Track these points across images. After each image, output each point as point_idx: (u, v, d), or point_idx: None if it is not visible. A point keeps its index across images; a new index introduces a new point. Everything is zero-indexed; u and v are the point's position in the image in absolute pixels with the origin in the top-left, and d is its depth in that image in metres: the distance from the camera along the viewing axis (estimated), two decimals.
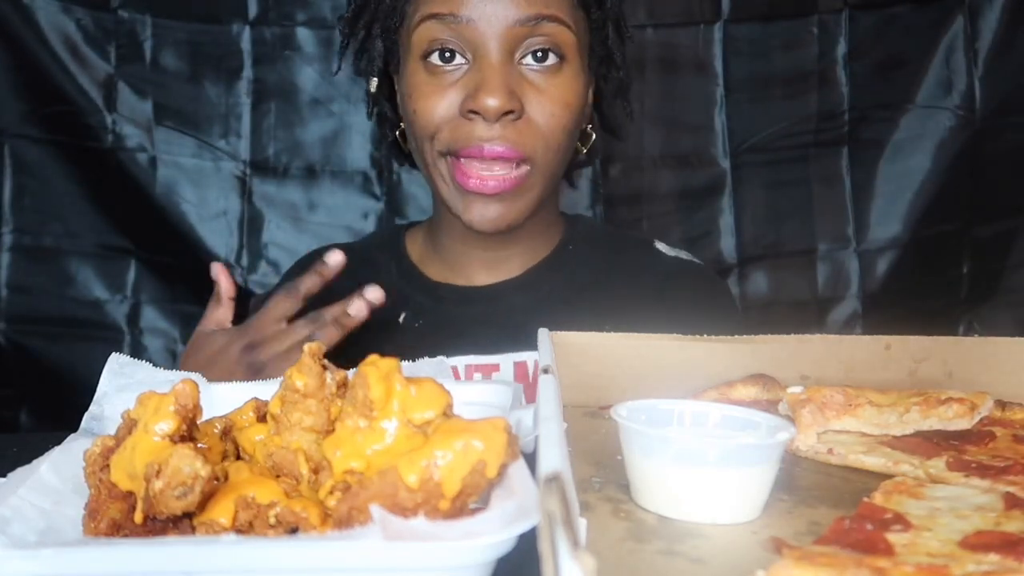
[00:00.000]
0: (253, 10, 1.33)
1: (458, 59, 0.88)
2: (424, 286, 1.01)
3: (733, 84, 1.37)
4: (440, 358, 0.70)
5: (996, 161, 1.36)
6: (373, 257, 1.06)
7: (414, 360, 0.68)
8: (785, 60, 1.37)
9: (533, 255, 1.01)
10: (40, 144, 1.30)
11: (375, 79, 1.00)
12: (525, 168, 0.89)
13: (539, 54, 0.88)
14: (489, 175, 0.88)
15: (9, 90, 1.28)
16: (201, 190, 1.34)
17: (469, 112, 0.86)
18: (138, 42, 1.31)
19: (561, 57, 0.89)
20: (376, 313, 0.99)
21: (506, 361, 0.93)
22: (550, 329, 0.69)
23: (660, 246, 1.06)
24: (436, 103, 0.88)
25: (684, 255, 1.06)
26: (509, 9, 0.86)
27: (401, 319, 0.99)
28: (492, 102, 0.84)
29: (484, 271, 1.01)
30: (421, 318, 0.98)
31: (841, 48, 1.37)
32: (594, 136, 1.02)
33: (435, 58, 0.89)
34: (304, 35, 1.35)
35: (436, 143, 0.90)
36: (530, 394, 0.81)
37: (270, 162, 1.36)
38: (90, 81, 1.30)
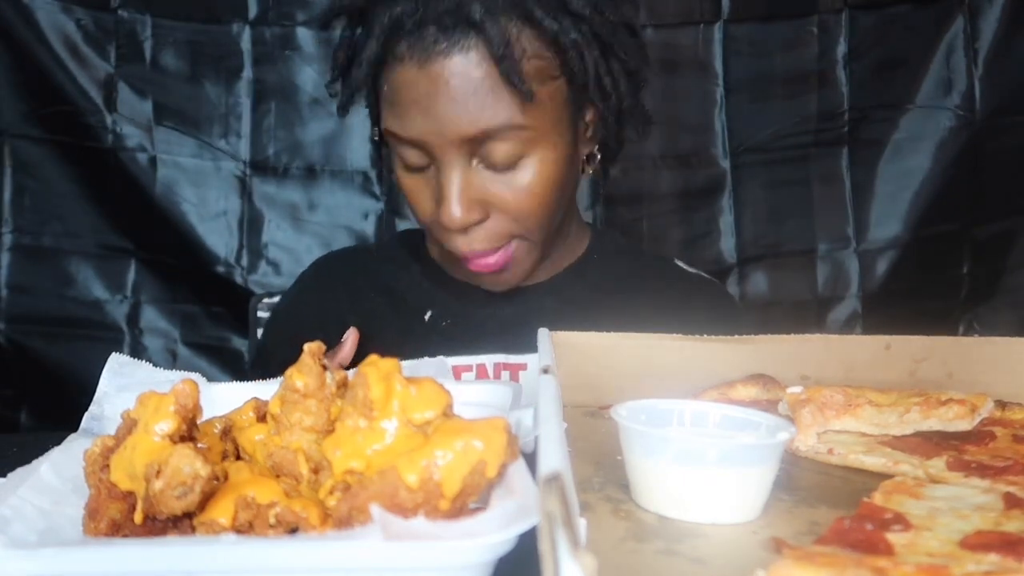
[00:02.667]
0: (253, 10, 1.34)
1: (426, 164, 0.86)
2: (450, 285, 1.00)
3: (733, 84, 1.37)
4: (440, 358, 0.70)
5: (996, 161, 1.36)
6: (395, 255, 1.06)
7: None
8: (785, 60, 1.37)
9: (559, 263, 1.01)
10: (40, 144, 1.30)
11: (376, 128, 0.96)
12: (515, 243, 0.88)
13: (494, 161, 0.84)
14: (487, 259, 0.87)
15: (9, 90, 1.28)
16: (201, 190, 1.34)
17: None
18: (138, 42, 1.32)
19: (523, 153, 0.84)
20: (401, 310, 1.00)
21: (534, 360, 0.93)
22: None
23: (680, 264, 1.07)
24: (417, 204, 0.88)
25: (702, 273, 1.08)
26: (457, 127, 0.81)
27: (427, 317, 0.98)
28: (451, 222, 0.83)
29: None
30: (448, 317, 0.98)
31: (841, 48, 1.37)
32: (598, 157, 0.97)
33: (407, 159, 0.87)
34: (304, 35, 1.35)
35: (430, 233, 0.90)
36: None
37: (270, 162, 1.36)
38: (90, 81, 1.30)
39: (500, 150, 0.83)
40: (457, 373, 0.91)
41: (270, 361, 1.01)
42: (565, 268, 1.01)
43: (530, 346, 0.93)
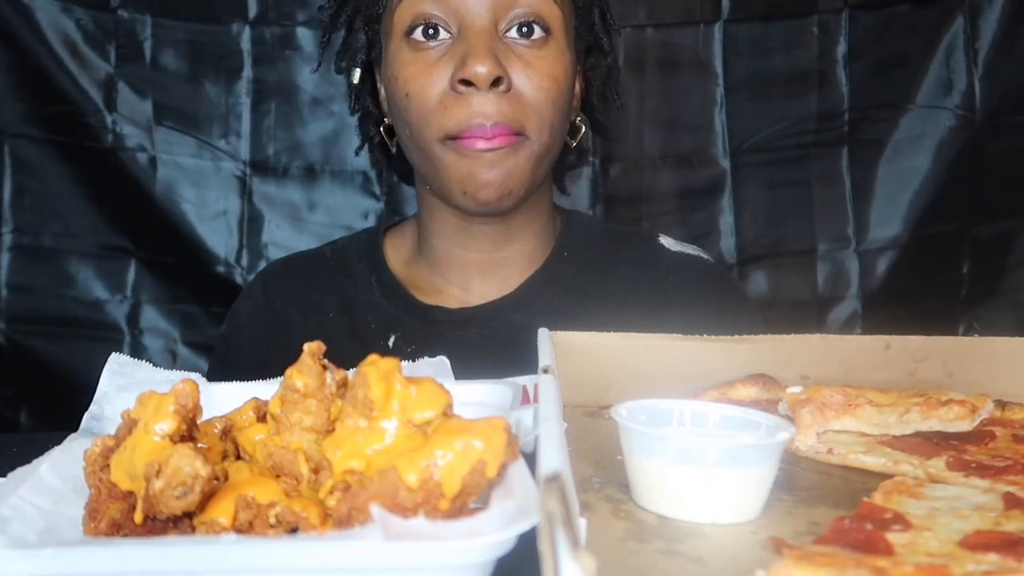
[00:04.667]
0: (253, 10, 1.33)
1: (442, 34, 0.88)
2: (413, 307, 0.97)
3: (733, 84, 1.37)
4: (441, 358, 0.70)
5: (996, 161, 1.36)
6: (351, 269, 1.02)
7: None
8: (785, 60, 1.37)
9: (529, 261, 0.98)
10: (40, 144, 1.30)
11: (358, 70, 0.98)
12: (521, 138, 0.88)
13: (524, 28, 0.88)
14: (494, 141, 0.87)
15: (9, 90, 1.28)
16: (201, 190, 1.34)
17: (459, 83, 0.85)
18: (138, 42, 1.31)
19: (546, 31, 0.89)
20: (359, 332, 0.96)
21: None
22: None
23: (664, 240, 1.04)
24: (426, 83, 0.87)
25: (691, 249, 1.04)
26: None
27: (391, 342, 0.95)
28: (481, 68, 0.83)
29: (479, 278, 0.98)
30: (413, 342, 0.94)
31: (841, 48, 1.37)
32: (583, 129, 1.01)
33: (418, 34, 0.88)
34: (304, 35, 1.35)
35: (434, 129, 0.87)
36: None
37: (270, 162, 1.36)
38: (90, 81, 1.30)
39: (528, 14, 0.87)
40: None
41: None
42: (533, 273, 0.98)
43: (502, 369, 0.91)
